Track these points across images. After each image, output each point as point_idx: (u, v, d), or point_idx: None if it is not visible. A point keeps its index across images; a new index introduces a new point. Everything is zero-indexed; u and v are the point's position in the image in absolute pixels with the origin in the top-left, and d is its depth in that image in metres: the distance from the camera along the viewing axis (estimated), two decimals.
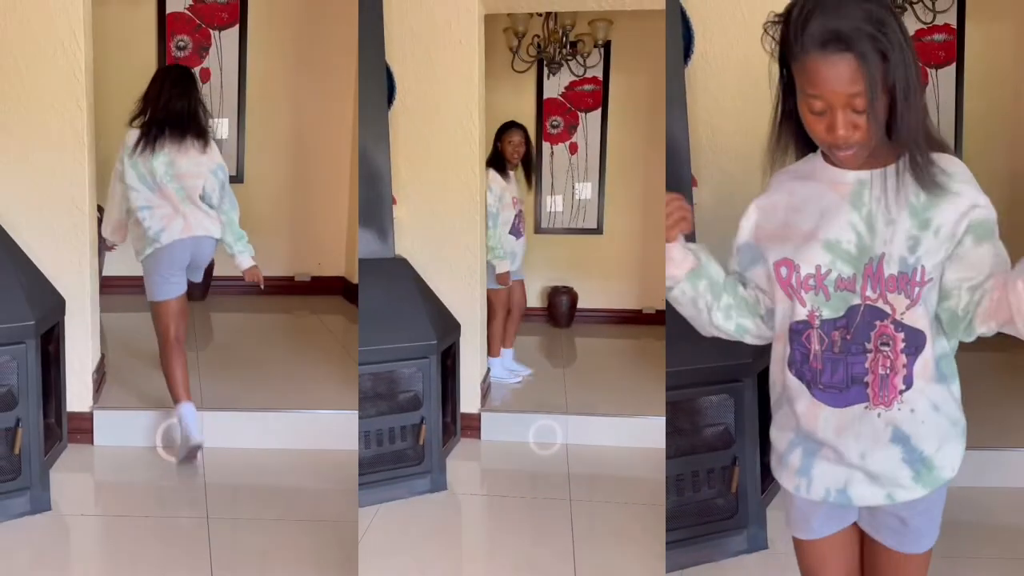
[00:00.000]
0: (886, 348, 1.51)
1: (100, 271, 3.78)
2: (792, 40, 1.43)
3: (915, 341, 1.51)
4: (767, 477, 2.94)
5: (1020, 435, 3.51)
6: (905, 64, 1.40)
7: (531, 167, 4.74)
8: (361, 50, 3.65)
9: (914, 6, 4.98)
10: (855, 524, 1.72)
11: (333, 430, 3.47)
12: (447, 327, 3.72)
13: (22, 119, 3.35)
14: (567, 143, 6.08)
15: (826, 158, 1.56)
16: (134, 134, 3.41)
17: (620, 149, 6.04)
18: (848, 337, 1.53)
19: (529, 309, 6.05)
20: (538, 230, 6.14)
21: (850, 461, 1.57)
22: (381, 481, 3.32)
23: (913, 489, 1.57)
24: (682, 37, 3.36)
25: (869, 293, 1.50)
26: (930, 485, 1.58)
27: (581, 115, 6.05)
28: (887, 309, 1.50)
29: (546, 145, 6.09)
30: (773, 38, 1.50)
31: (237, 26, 5.61)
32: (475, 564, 3.07)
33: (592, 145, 6.06)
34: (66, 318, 3.42)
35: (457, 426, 3.88)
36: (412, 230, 3.88)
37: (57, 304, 3.37)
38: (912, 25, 5.13)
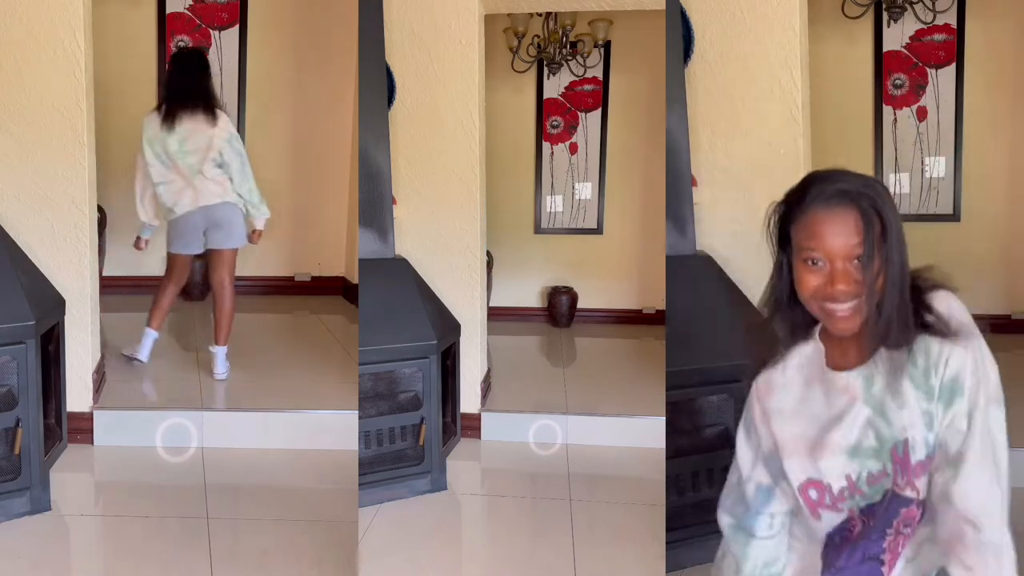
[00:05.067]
0: (907, 530, 1.46)
1: (100, 271, 3.78)
2: (795, 204, 1.44)
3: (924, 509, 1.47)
4: None
5: (1020, 435, 3.50)
6: (899, 242, 1.41)
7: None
8: (361, 50, 3.65)
9: (914, 6, 4.99)
10: None
11: (333, 430, 3.47)
12: (447, 327, 3.72)
13: (22, 119, 3.35)
14: (567, 143, 6.08)
15: (827, 358, 1.50)
16: (151, 116, 3.86)
17: (620, 149, 6.04)
18: (872, 524, 1.46)
19: (529, 309, 6.07)
20: (538, 230, 6.15)
21: None
22: (381, 481, 3.32)
23: None
24: (682, 37, 3.36)
25: (899, 481, 1.44)
26: None
27: (581, 115, 6.05)
28: (912, 495, 1.44)
29: (546, 145, 6.09)
30: (772, 223, 1.49)
31: (237, 26, 5.61)
32: (475, 564, 3.07)
33: (592, 145, 6.06)
34: (66, 318, 3.42)
35: (457, 426, 3.88)
36: (412, 230, 3.88)
37: (57, 304, 3.37)
38: (912, 25, 5.15)
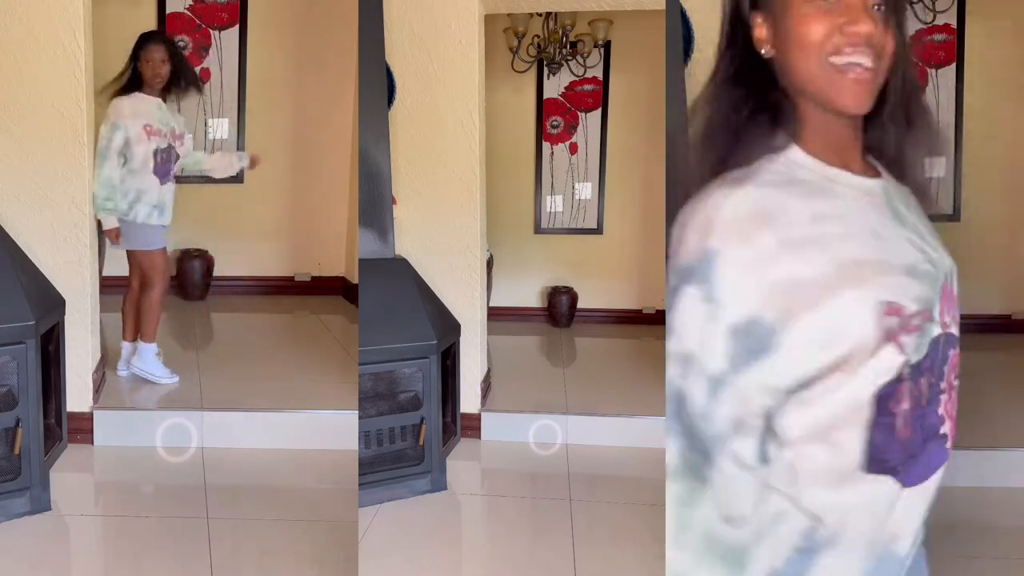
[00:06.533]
0: (957, 382, 1.11)
1: (100, 271, 3.77)
2: None
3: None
4: None
5: (1020, 435, 3.51)
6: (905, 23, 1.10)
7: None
8: (361, 50, 3.65)
9: (914, 6, 4.98)
10: None
11: (333, 430, 3.47)
12: (447, 327, 3.72)
13: (22, 119, 3.35)
14: (567, 143, 6.08)
15: (814, 158, 1.07)
16: (116, 102, 3.67)
17: (620, 149, 6.05)
18: (933, 381, 1.05)
19: (529, 309, 6.08)
20: (538, 230, 6.15)
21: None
22: (381, 481, 3.32)
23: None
24: (682, 37, 3.36)
25: (946, 319, 1.08)
26: None
27: (581, 115, 6.05)
28: (956, 332, 1.10)
29: (546, 145, 6.10)
30: None
31: (237, 26, 5.61)
32: (475, 564, 3.07)
33: (592, 145, 6.07)
34: (66, 318, 3.42)
35: (457, 426, 3.88)
36: (412, 230, 3.88)
37: (57, 304, 3.36)
38: (912, 25, 5.14)
